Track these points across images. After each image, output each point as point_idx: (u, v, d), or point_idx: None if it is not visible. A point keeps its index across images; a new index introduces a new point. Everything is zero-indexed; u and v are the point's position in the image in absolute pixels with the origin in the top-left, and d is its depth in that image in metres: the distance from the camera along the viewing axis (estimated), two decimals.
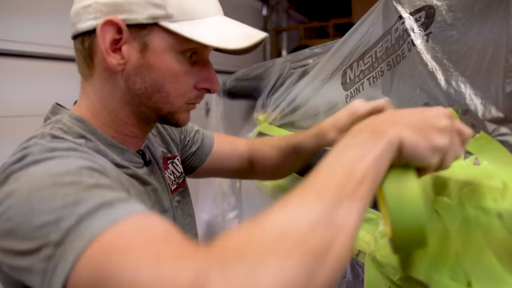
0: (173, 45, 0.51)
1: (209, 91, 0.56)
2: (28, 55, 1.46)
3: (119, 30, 0.49)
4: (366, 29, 0.68)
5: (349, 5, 2.67)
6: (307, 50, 1.14)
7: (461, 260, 0.38)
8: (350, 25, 0.74)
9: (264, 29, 3.22)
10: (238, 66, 1.57)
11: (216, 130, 1.54)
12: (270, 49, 3.27)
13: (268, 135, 1.15)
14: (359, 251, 0.52)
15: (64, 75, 1.50)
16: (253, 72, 1.40)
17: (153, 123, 0.59)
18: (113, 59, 0.50)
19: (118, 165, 0.52)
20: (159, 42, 0.50)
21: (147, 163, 0.59)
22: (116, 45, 0.49)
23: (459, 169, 0.44)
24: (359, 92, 0.70)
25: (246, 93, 1.46)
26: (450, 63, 0.50)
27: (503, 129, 0.41)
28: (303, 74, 1.08)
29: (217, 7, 0.55)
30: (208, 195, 1.59)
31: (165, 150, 0.69)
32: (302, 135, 0.67)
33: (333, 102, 0.80)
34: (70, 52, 0.56)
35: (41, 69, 1.51)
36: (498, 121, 0.42)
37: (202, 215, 1.64)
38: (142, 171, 0.57)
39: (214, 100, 1.57)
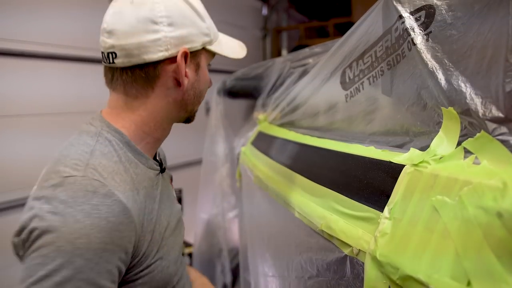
0: (208, 60, 0.68)
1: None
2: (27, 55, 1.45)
3: (186, 56, 0.61)
4: (366, 29, 0.68)
5: (349, 5, 2.67)
6: (307, 49, 1.14)
7: (461, 260, 0.38)
8: (350, 24, 0.74)
9: (264, 28, 3.22)
10: (238, 66, 1.57)
11: (216, 130, 1.54)
12: (270, 48, 3.27)
13: (268, 134, 1.15)
14: (359, 250, 0.52)
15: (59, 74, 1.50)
16: (253, 72, 1.40)
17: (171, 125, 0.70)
18: (185, 80, 0.62)
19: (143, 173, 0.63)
20: (203, 61, 0.66)
21: (162, 171, 0.69)
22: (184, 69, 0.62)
23: (459, 169, 0.44)
24: (359, 91, 0.70)
25: (246, 93, 1.46)
26: (450, 62, 0.50)
27: (504, 129, 0.41)
28: (303, 73, 1.08)
29: None
30: (208, 195, 1.59)
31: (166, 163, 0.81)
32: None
33: (332, 102, 0.80)
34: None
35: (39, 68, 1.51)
36: (498, 121, 0.42)
37: (202, 214, 1.64)
38: (157, 179, 0.67)
39: (214, 100, 1.57)
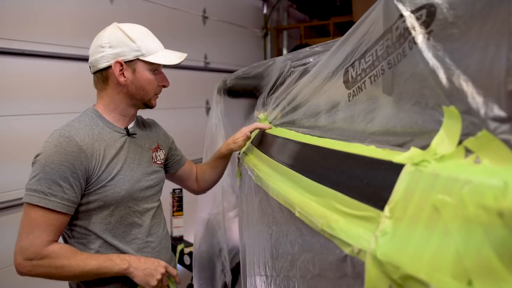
0: (149, 67, 1.05)
1: (164, 86, 1.11)
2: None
3: (121, 64, 1.02)
4: (367, 28, 0.68)
5: (350, 4, 2.67)
6: (307, 48, 1.14)
7: (462, 259, 0.38)
8: (351, 23, 0.74)
9: (264, 27, 3.21)
10: (238, 65, 1.57)
11: (217, 129, 1.54)
12: (270, 47, 3.26)
13: (268, 134, 1.15)
14: (360, 249, 0.52)
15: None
16: (254, 71, 1.39)
17: (138, 107, 1.12)
18: (121, 78, 1.03)
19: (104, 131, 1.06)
20: (140, 67, 1.04)
21: (129, 135, 1.10)
22: (121, 71, 1.02)
23: (460, 168, 0.44)
24: (361, 90, 0.70)
25: (246, 92, 1.46)
26: (452, 61, 0.49)
27: (505, 128, 0.41)
28: (304, 72, 1.08)
29: (161, 45, 1.08)
30: (208, 194, 1.59)
31: (160, 142, 1.22)
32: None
33: (335, 101, 0.80)
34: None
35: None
36: (500, 120, 0.42)
37: (202, 214, 1.64)
38: (123, 139, 1.08)
39: (215, 99, 1.57)
